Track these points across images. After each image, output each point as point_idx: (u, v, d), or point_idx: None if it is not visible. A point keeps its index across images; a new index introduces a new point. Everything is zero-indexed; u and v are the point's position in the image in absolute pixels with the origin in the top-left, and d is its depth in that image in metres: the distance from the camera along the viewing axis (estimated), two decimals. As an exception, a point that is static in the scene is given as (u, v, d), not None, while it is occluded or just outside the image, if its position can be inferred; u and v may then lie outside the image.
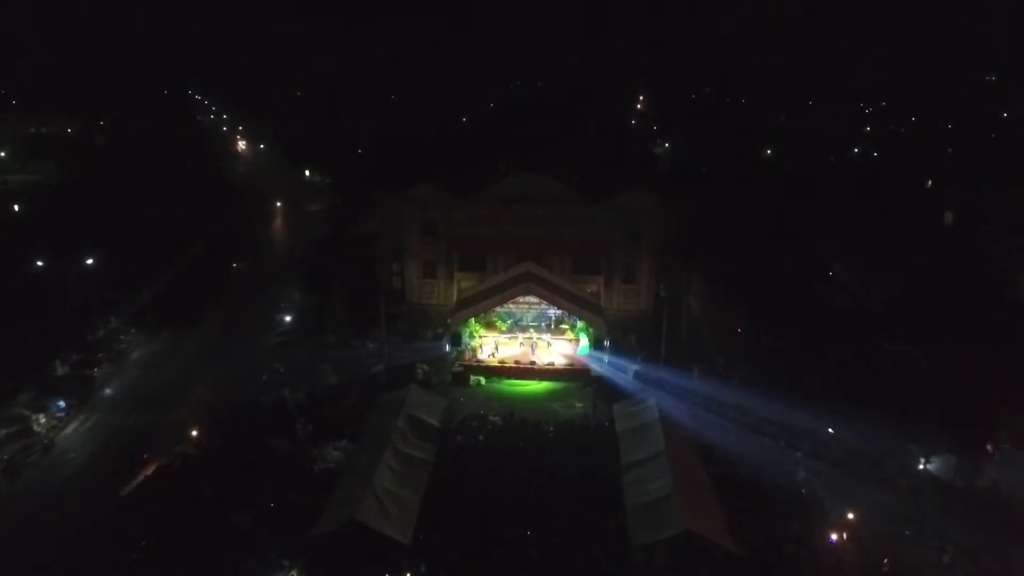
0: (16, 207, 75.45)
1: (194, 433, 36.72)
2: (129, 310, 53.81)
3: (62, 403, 39.64)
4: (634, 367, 44.50)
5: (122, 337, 49.84)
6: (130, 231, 63.21)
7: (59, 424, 38.68)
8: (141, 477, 33.59)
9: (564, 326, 49.85)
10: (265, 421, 38.05)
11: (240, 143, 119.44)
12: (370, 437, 34.72)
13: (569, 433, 37.60)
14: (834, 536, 29.06)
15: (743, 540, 28.11)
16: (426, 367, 45.15)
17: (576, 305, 46.95)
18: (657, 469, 31.04)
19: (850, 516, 30.24)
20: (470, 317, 47.24)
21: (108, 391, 43.60)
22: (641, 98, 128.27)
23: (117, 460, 35.19)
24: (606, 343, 45.39)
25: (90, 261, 53.44)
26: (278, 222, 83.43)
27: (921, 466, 33.99)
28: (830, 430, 36.58)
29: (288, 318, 52.94)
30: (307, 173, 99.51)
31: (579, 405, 41.45)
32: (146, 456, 35.26)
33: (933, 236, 64.65)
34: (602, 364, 45.19)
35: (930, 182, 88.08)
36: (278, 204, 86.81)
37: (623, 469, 32.39)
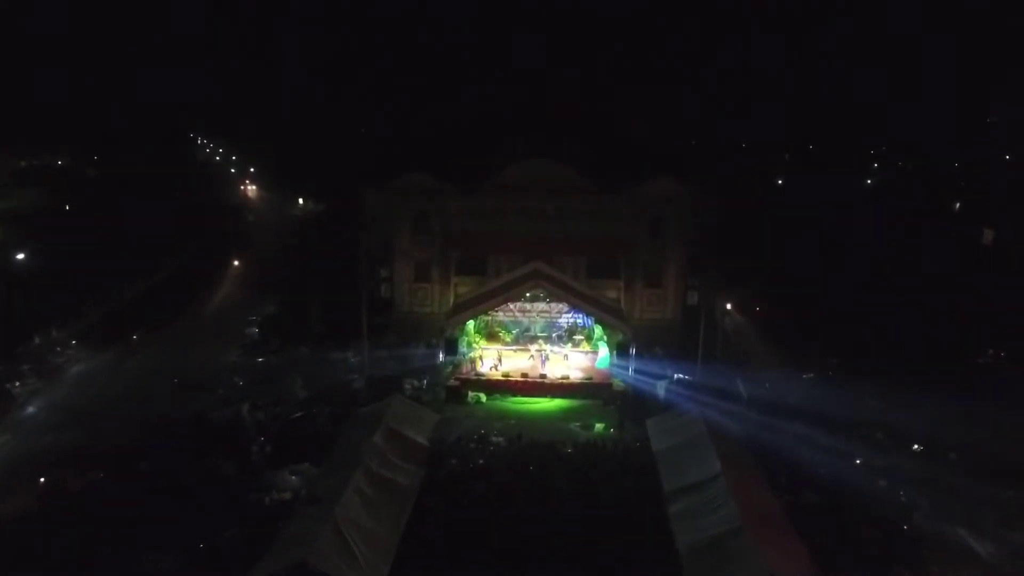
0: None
1: (114, 455, 29.08)
2: (79, 322, 47.16)
3: (-39, 421, 32.20)
4: (664, 381, 36.95)
5: (59, 349, 42.62)
6: (101, 247, 58.36)
7: (-46, 446, 31.13)
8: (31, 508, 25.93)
9: (578, 336, 42.54)
10: (212, 441, 30.60)
11: (249, 186, 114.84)
12: (338, 457, 27.12)
13: (592, 456, 30.04)
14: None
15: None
16: (415, 381, 37.71)
17: (595, 307, 39.64)
18: (715, 496, 23.40)
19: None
20: (469, 319, 40.00)
21: (31, 409, 36.09)
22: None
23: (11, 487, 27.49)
24: (632, 350, 37.76)
25: (24, 266, 46.47)
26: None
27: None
28: (915, 447, 29.09)
29: (257, 329, 45.71)
30: (300, 201, 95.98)
31: (600, 425, 33.90)
32: (47, 482, 27.56)
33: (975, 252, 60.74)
34: (627, 377, 37.61)
35: (958, 204, 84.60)
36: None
37: (668, 497, 24.76)
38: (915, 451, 28.42)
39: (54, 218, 74.32)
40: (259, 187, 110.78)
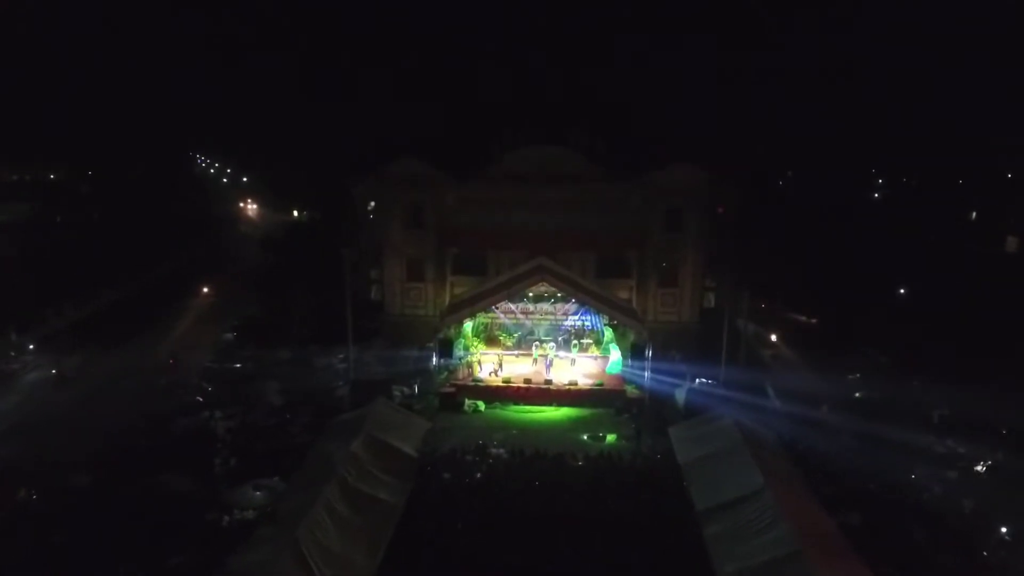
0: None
1: (52, 469, 25.08)
2: (43, 328, 43.51)
3: None
4: (685, 386, 32.98)
5: (13, 354, 38.81)
6: (85, 256, 56.60)
7: None
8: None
9: (587, 340, 38.60)
10: (169, 452, 26.63)
11: (249, 204, 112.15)
12: (309, 469, 23.11)
13: (606, 469, 26.00)
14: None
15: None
16: (405, 388, 33.78)
17: (607, 305, 35.80)
18: (761, 514, 19.36)
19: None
20: (466, 319, 36.02)
21: (-30, 419, 32.14)
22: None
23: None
24: (648, 352, 33.75)
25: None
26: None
27: None
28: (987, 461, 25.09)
29: (234, 334, 41.91)
30: (295, 213, 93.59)
31: (612, 436, 29.91)
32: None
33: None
34: (642, 382, 33.63)
35: (974, 214, 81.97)
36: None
37: (701, 517, 20.69)
38: (990, 463, 24.29)
39: (40, 229, 71.97)
40: (256, 201, 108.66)
